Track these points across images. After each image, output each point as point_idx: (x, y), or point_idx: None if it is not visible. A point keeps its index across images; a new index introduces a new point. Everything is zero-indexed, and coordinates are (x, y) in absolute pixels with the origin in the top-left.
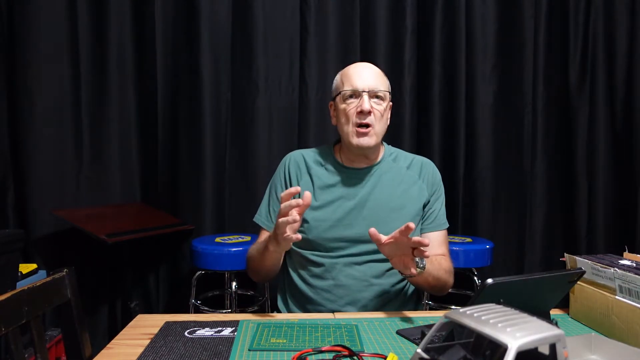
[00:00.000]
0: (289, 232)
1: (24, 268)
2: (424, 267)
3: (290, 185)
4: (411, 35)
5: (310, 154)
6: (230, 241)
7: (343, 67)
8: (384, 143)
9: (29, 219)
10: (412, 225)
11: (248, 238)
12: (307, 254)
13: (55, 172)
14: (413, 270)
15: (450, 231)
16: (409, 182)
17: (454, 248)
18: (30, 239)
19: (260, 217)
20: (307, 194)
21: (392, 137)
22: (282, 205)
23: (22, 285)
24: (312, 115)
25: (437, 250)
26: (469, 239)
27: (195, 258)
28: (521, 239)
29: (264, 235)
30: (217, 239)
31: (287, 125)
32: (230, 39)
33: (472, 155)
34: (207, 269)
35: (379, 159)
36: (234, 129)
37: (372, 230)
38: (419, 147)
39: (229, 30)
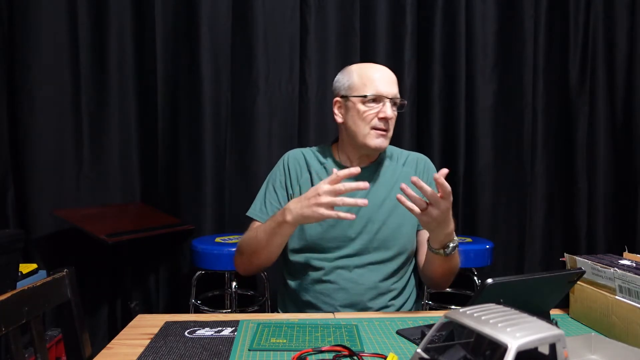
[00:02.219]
0: (324, 209)
1: (24, 268)
2: (453, 248)
3: (290, 181)
4: (411, 35)
5: (309, 153)
6: (230, 241)
7: (342, 67)
8: None
9: (29, 219)
10: (443, 171)
11: None
12: (307, 258)
13: (55, 172)
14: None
15: None
16: (405, 179)
17: None
18: (30, 239)
19: (254, 210)
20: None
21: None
22: (337, 185)
23: (22, 285)
24: (312, 115)
25: None
26: (469, 239)
27: (195, 258)
28: (521, 239)
29: (256, 225)
30: (217, 239)
31: (287, 125)
32: (230, 39)
33: (472, 155)
34: (207, 269)
35: (376, 157)
36: (234, 129)
37: (403, 186)
38: (419, 147)
39: (229, 30)
